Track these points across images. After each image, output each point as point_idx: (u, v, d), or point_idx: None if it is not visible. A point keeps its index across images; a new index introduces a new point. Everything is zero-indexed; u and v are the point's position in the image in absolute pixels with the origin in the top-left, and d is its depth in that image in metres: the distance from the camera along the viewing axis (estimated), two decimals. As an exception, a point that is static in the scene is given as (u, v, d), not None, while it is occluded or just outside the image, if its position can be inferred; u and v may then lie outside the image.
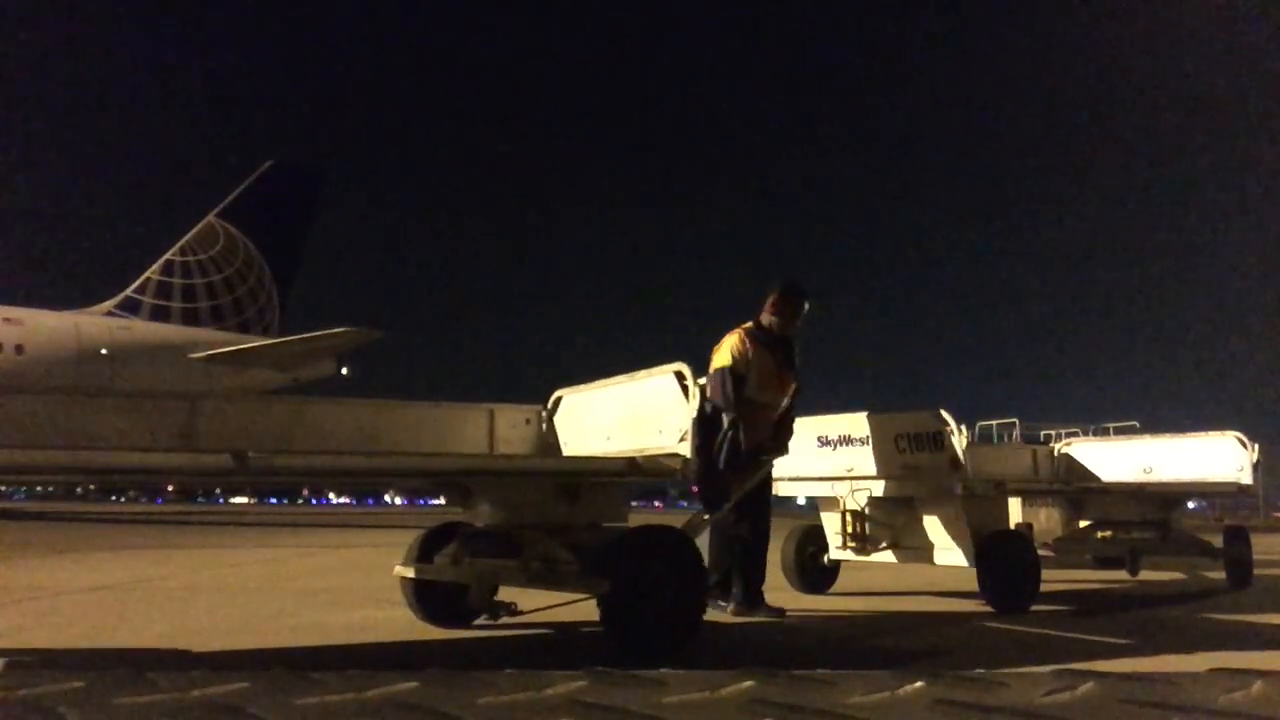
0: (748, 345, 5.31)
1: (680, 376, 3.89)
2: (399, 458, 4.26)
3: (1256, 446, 7.57)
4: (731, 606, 5.17)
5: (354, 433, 4.37)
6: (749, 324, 5.50)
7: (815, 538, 6.42)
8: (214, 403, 4.31)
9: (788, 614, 5.21)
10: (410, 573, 4.49)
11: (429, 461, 4.15)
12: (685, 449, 3.76)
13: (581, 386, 4.72)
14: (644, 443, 4.01)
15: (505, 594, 4.45)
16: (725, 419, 5.11)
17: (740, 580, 5.20)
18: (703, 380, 4.25)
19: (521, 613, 4.27)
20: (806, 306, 5.53)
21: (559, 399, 4.83)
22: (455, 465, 4.10)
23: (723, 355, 5.30)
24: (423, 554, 4.52)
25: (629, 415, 4.25)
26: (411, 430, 4.53)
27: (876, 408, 6.16)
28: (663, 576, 3.73)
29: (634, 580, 3.66)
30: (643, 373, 4.21)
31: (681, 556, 3.86)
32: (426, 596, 4.51)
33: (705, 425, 4.49)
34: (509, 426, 4.75)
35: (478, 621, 4.57)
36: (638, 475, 3.92)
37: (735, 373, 5.20)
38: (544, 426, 4.83)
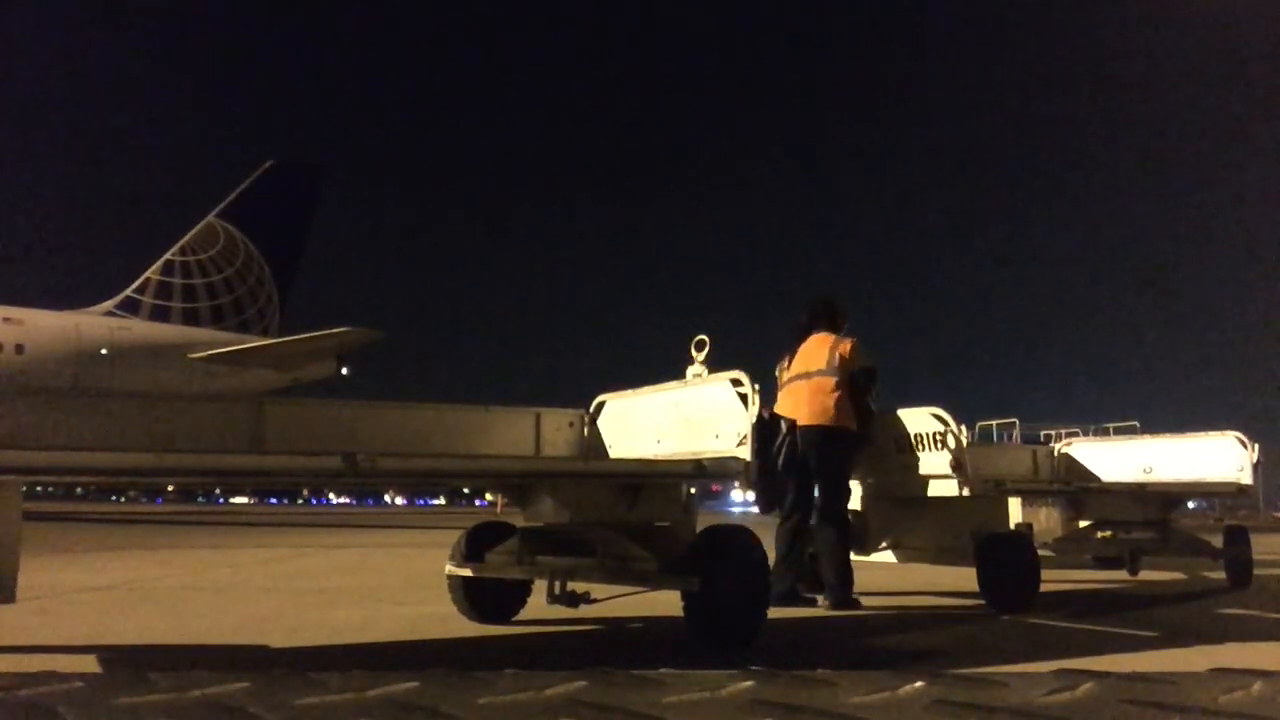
0: None
1: (737, 383, 4.07)
2: (498, 461, 4.48)
3: (1256, 446, 7.56)
4: (828, 601, 5.52)
5: (410, 435, 4.50)
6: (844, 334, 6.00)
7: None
8: (281, 407, 4.51)
9: (794, 608, 5.37)
10: (465, 571, 4.58)
11: (526, 464, 4.50)
12: (745, 453, 3.93)
13: (627, 391, 4.84)
14: (699, 446, 4.17)
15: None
16: (784, 425, 5.53)
17: (836, 576, 5.53)
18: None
19: (597, 600, 4.35)
20: None
21: (601, 403, 4.96)
22: (547, 468, 4.49)
23: (863, 359, 5.83)
24: (471, 553, 4.59)
25: (682, 419, 4.39)
26: (462, 433, 4.64)
27: (876, 407, 6.16)
28: (741, 573, 4.01)
29: (722, 577, 3.89)
30: (696, 379, 4.39)
31: (754, 554, 4.14)
32: (477, 594, 4.64)
33: (764, 431, 4.91)
34: (554, 429, 4.89)
35: (515, 618, 4.71)
36: (703, 477, 4.15)
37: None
38: (586, 430, 4.95)
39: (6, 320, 20.30)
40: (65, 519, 20.53)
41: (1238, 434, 7.67)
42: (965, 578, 5.88)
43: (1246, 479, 7.55)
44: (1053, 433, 9.49)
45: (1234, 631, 5.01)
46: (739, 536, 4.16)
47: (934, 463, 5.66)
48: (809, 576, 5.85)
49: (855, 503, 6.14)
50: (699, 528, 4.35)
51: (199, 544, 12.31)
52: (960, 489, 5.53)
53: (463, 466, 4.25)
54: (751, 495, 5.29)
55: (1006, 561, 5.64)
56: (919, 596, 6.34)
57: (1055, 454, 8.34)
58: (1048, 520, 7.76)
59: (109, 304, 22.86)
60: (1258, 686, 0.83)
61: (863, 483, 6.14)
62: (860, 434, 5.75)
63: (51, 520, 18.97)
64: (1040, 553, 6.15)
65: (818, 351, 5.80)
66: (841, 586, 5.49)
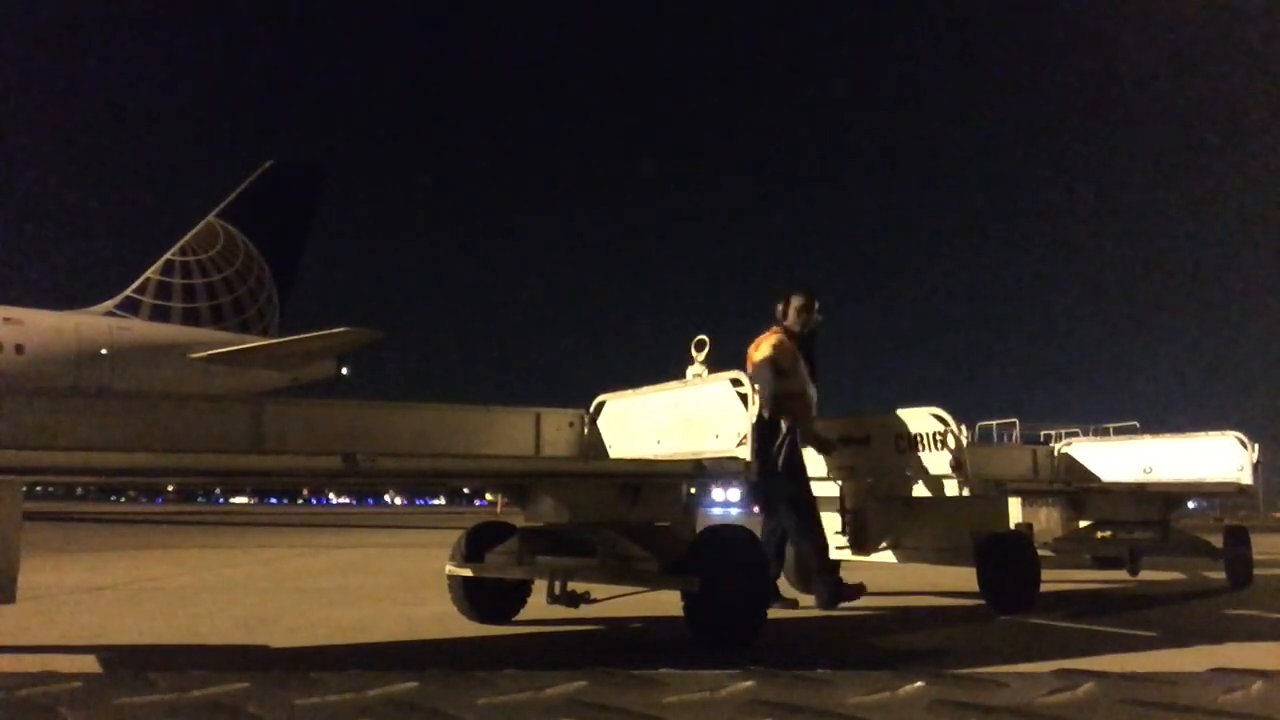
0: (788, 344, 5.67)
1: (737, 383, 4.08)
2: (498, 461, 4.50)
3: (1256, 446, 7.56)
4: (821, 601, 5.46)
5: (410, 435, 4.51)
6: (777, 329, 5.81)
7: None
8: (280, 407, 4.50)
9: (794, 608, 5.40)
10: (465, 571, 4.59)
11: (526, 464, 4.52)
12: (745, 452, 3.95)
13: (627, 391, 4.85)
14: (699, 446, 4.17)
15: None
16: (784, 424, 5.46)
17: (819, 564, 5.50)
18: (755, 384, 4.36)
19: (597, 600, 4.35)
20: (817, 306, 5.95)
21: (601, 403, 4.96)
22: (547, 468, 4.50)
23: (764, 350, 5.61)
24: (471, 553, 4.59)
25: (682, 420, 4.40)
26: (462, 433, 4.65)
27: (877, 407, 6.17)
28: (741, 573, 4.01)
29: (722, 577, 3.90)
30: (696, 379, 4.40)
31: (754, 555, 4.15)
32: (477, 594, 4.65)
33: (764, 430, 4.90)
34: (554, 429, 4.90)
35: (515, 618, 4.70)
36: (703, 477, 4.17)
37: (777, 365, 5.54)
38: (586, 430, 4.96)
39: (6, 320, 20.30)
40: (65, 519, 20.53)
41: (1238, 434, 7.67)
42: (965, 578, 5.88)
43: (1246, 479, 7.55)
44: (1053, 433, 9.50)
45: (1234, 631, 5.01)
46: (739, 537, 4.16)
47: (934, 463, 5.66)
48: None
49: (854, 503, 6.15)
50: (699, 528, 4.35)
51: (199, 544, 12.31)
52: (960, 489, 5.53)
53: (463, 466, 4.26)
54: (736, 495, 5.25)
55: (1006, 561, 5.64)
56: (919, 596, 6.35)
57: (1055, 454, 8.35)
58: (1048, 520, 7.76)
59: (109, 304, 22.86)
60: (1258, 686, 0.83)
61: (862, 482, 6.14)
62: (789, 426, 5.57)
63: (51, 520, 18.97)
64: (1040, 553, 6.15)
65: (749, 358, 5.74)
66: (827, 573, 5.45)
